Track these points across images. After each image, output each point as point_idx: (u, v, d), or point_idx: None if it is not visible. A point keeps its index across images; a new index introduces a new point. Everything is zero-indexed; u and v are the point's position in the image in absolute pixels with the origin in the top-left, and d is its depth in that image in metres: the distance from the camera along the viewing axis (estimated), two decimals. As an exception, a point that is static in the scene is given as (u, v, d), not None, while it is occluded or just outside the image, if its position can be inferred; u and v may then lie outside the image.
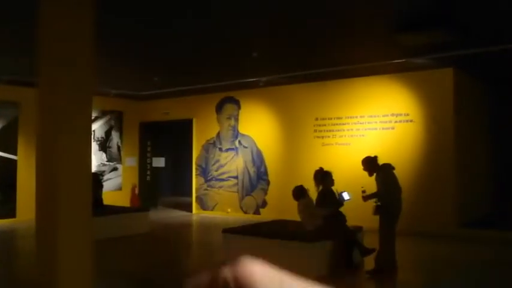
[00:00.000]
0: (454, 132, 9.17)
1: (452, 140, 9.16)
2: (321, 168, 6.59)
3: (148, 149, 14.48)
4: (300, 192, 6.44)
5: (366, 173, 6.20)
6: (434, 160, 9.29)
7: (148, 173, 14.45)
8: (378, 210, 6.03)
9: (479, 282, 6.01)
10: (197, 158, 13.08)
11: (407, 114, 9.63)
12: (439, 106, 9.30)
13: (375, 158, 6.15)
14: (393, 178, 6.12)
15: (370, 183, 6.22)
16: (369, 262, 6.29)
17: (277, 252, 6.21)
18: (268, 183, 11.63)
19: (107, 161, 13.41)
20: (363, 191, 6.10)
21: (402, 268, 6.21)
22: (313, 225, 6.22)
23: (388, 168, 6.15)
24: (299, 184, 6.63)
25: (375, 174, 6.09)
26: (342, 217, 6.51)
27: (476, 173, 10.42)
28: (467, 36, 6.95)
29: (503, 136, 11.40)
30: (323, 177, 6.48)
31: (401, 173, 9.10)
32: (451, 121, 9.17)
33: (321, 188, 6.50)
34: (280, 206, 10.95)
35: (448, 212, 9.06)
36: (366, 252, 6.38)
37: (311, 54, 8.38)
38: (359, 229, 6.76)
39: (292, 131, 11.28)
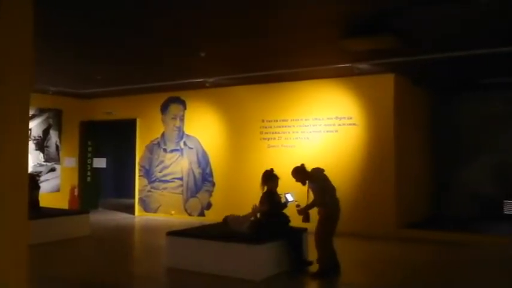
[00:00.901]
0: (394, 136, 9.49)
1: (393, 143, 9.47)
2: (271, 170, 6.62)
3: (89, 149, 14.00)
4: (225, 222, 6.75)
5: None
6: (376, 163, 9.56)
7: (89, 173, 13.97)
8: (307, 217, 6.15)
9: (421, 282, 6.22)
10: (140, 159, 12.80)
11: (351, 118, 9.86)
12: (381, 110, 9.59)
13: (303, 166, 6.27)
14: (326, 179, 6.24)
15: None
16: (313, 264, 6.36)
17: (223, 255, 6.16)
18: (213, 184, 11.56)
19: (44, 161, 12.83)
20: (297, 206, 6.19)
21: (345, 269, 6.32)
22: (245, 228, 6.31)
23: (319, 171, 6.26)
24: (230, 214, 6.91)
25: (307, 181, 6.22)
26: (285, 218, 6.55)
27: (417, 175, 10.84)
28: (410, 44, 7.20)
29: (442, 139, 11.95)
30: (268, 178, 6.52)
31: (343, 175, 9.38)
32: (392, 125, 9.48)
33: (265, 188, 6.53)
34: (226, 207, 10.85)
35: (389, 213, 9.35)
36: (303, 263, 6.42)
37: (258, 56, 8.40)
38: (303, 230, 6.82)
39: (238, 133, 11.26)
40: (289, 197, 6.47)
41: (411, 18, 6.14)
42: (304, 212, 6.18)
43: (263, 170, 6.71)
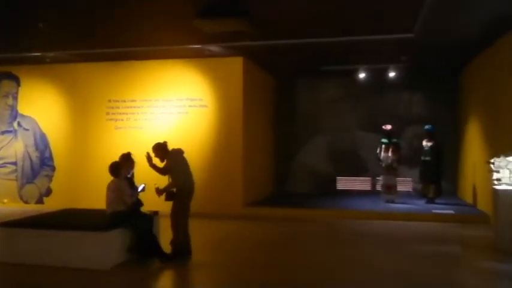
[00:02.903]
0: (243, 118, 9.80)
1: (241, 125, 9.78)
2: (128, 153, 6.35)
3: None
4: (116, 170, 6.11)
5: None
6: (224, 144, 9.79)
7: None
8: (170, 196, 6.10)
9: (267, 257, 6.56)
10: (-36, 142, 11.27)
11: (201, 100, 9.92)
12: (230, 93, 9.81)
13: (165, 143, 6.27)
14: (185, 161, 6.28)
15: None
16: (165, 247, 6.29)
17: (66, 245, 5.75)
18: (53, 169, 10.73)
19: None
20: (156, 188, 6.10)
21: (196, 250, 6.37)
22: (124, 204, 5.92)
23: (178, 152, 6.29)
24: (115, 161, 6.23)
25: (166, 159, 6.18)
26: (138, 204, 6.37)
27: (263, 155, 11.38)
28: (259, 29, 7.43)
29: (285, 121, 12.72)
30: (124, 162, 6.27)
31: (193, 156, 9.31)
32: (241, 107, 9.77)
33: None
34: (68, 193, 10.27)
35: (236, 193, 9.68)
36: (165, 257, 6.26)
37: (106, 30, 7.91)
38: (155, 213, 6.69)
39: (82, 113, 10.57)
40: (139, 187, 6.32)
41: (262, 4, 6.33)
42: (162, 193, 6.08)
43: (110, 153, 6.41)
